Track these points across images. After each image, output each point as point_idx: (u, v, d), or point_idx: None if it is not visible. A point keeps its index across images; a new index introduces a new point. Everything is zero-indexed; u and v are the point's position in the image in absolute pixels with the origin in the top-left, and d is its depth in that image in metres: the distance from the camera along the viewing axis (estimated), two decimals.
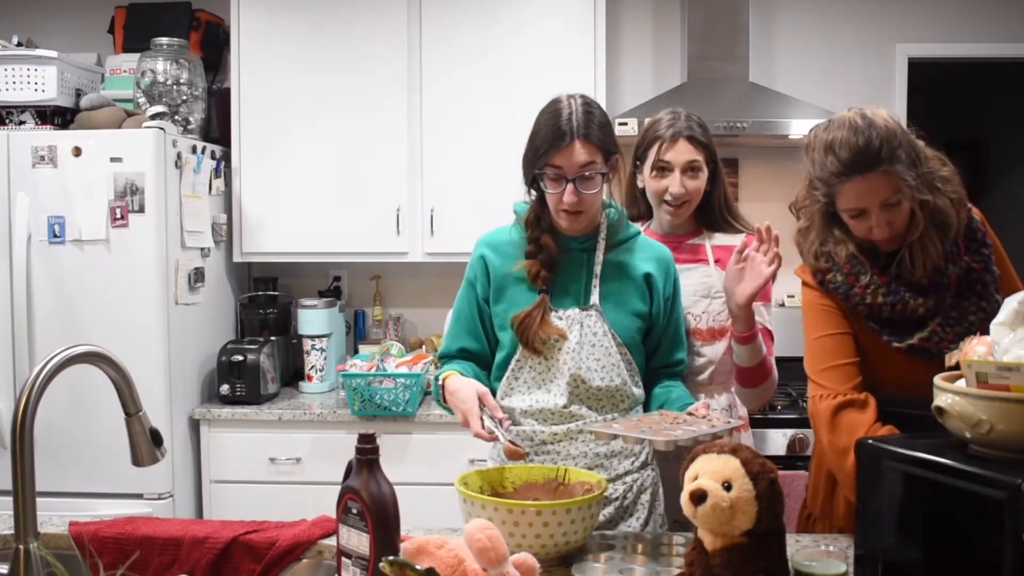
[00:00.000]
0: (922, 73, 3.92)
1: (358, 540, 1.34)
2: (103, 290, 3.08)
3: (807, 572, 1.42)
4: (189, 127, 3.44)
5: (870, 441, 1.47)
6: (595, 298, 1.91)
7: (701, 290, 2.19)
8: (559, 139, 1.80)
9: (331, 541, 1.68)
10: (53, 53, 3.27)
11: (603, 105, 2.22)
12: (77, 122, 3.25)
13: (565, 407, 1.89)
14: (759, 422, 3.06)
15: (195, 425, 3.29)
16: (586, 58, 3.47)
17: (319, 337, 3.51)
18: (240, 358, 3.31)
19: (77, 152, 3.07)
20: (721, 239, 2.24)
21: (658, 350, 2.00)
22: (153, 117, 3.15)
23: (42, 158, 3.08)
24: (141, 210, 3.06)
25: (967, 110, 5.61)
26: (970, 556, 1.30)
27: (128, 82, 3.49)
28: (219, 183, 3.47)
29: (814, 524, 1.93)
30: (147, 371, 3.02)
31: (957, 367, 1.47)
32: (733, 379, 2.17)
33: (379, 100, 3.52)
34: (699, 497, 1.33)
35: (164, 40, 3.41)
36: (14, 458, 1.30)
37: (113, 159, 3.06)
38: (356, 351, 3.68)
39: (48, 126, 3.25)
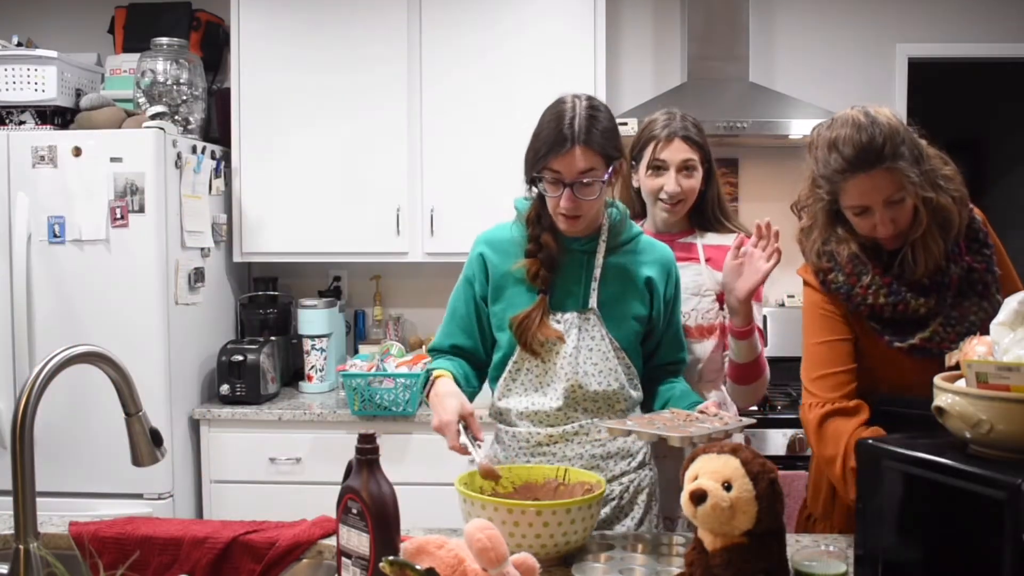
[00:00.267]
0: (922, 73, 3.92)
1: (358, 540, 1.34)
2: (103, 290, 3.08)
3: (807, 572, 1.42)
4: (189, 127, 3.44)
5: (870, 441, 1.47)
6: (593, 302, 1.89)
7: (691, 288, 2.19)
8: (559, 144, 1.77)
9: (331, 541, 1.68)
10: (53, 53, 3.27)
11: None
12: (77, 122, 3.25)
13: (561, 410, 1.88)
14: (759, 422, 3.06)
15: (195, 425, 3.29)
16: (586, 58, 3.47)
17: (319, 337, 3.52)
18: (240, 358, 3.31)
19: (77, 152, 3.07)
20: (713, 238, 2.26)
21: (658, 350, 1.99)
22: (153, 117, 3.15)
23: (42, 158, 3.08)
24: (141, 210, 3.06)
25: (967, 110, 5.60)
26: (970, 556, 1.30)
27: (128, 82, 3.49)
28: (219, 183, 3.47)
29: (814, 524, 1.93)
30: (147, 371, 3.02)
31: (957, 367, 1.47)
32: (723, 377, 2.18)
33: (379, 100, 3.52)
34: (699, 497, 1.33)
35: (164, 40, 3.42)
36: (14, 458, 1.30)
37: (113, 159, 3.06)
38: (356, 351, 3.67)
39: (48, 126, 3.25)
